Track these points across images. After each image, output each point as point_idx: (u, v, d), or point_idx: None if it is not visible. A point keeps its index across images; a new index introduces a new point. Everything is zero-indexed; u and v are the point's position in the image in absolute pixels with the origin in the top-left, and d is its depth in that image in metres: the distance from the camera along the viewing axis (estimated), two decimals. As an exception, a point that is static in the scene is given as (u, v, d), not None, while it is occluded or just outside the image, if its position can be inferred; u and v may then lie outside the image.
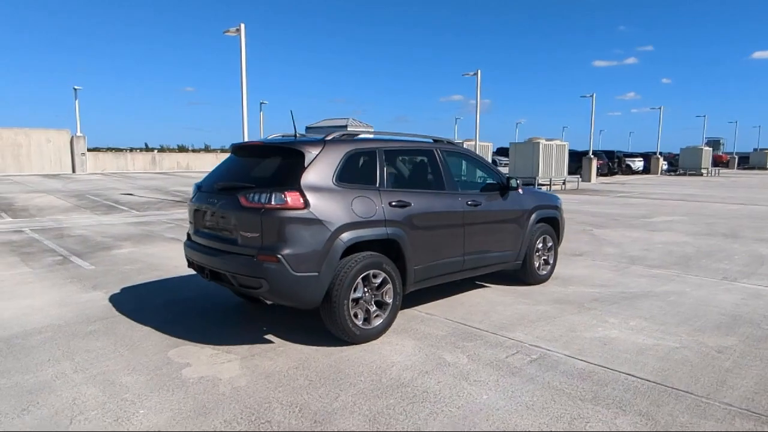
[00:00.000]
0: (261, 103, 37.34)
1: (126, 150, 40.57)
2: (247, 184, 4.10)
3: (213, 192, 4.36)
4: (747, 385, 3.52)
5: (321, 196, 4.00)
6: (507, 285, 6.10)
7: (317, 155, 4.14)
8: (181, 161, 34.98)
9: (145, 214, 12.95)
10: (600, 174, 31.94)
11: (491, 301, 5.46)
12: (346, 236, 4.04)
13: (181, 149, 48.62)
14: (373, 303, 4.31)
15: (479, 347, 4.19)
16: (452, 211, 4.92)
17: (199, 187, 4.63)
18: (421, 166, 5.10)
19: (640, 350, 4.12)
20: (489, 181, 5.68)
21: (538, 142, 20.92)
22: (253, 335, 4.43)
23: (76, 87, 29.35)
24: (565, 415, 3.11)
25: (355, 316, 4.17)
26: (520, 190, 5.85)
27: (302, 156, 4.11)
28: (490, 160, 24.53)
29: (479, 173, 5.80)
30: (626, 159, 35.72)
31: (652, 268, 7.11)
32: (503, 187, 5.56)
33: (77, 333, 4.48)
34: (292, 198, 3.87)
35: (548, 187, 21.38)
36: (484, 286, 6.06)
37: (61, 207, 14.35)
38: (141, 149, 44.65)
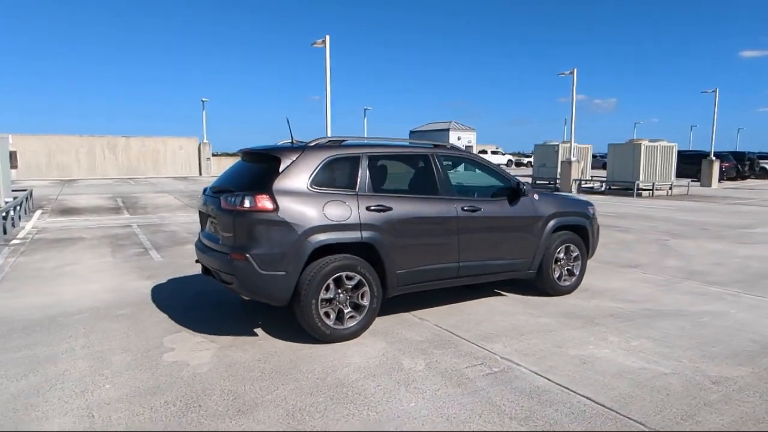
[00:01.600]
0: (365, 109, 38.53)
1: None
2: (230, 188, 4.39)
3: (210, 195, 4.72)
4: (719, 422, 3.05)
5: (292, 200, 4.16)
6: (524, 294, 5.78)
7: (294, 161, 4.31)
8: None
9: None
10: (727, 178, 28.44)
11: (494, 310, 5.23)
12: (315, 238, 4.16)
13: None
14: (348, 304, 4.37)
15: (446, 355, 4.07)
16: (443, 216, 4.81)
17: (204, 191, 5.03)
18: (413, 171, 5.04)
19: (619, 373, 3.72)
20: (496, 186, 5.44)
21: (640, 144, 19.16)
22: (245, 328, 4.71)
23: (203, 99, 32.61)
24: (481, 432, 2.95)
25: (327, 315, 4.27)
26: (535, 196, 5.52)
27: (278, 161, 4.31)
28: (589, 163, 23.01)
29: (488, 179, 5.57)
30: (760, 161, 31.28)
31: (708, 284, 6.28)
32: (512, 193, 5.30)
33: (107, 316, 5.10)
34: (261, 201, 4.09)
35: (650, 192, 19.50)
36: (500, 294, 5.81)
37: (174, 206, 16.10)
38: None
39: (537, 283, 5.70)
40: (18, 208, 11.76)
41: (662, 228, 11.08)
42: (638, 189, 19.13)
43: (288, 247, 4.10)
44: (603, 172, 24.18)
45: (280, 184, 4.19)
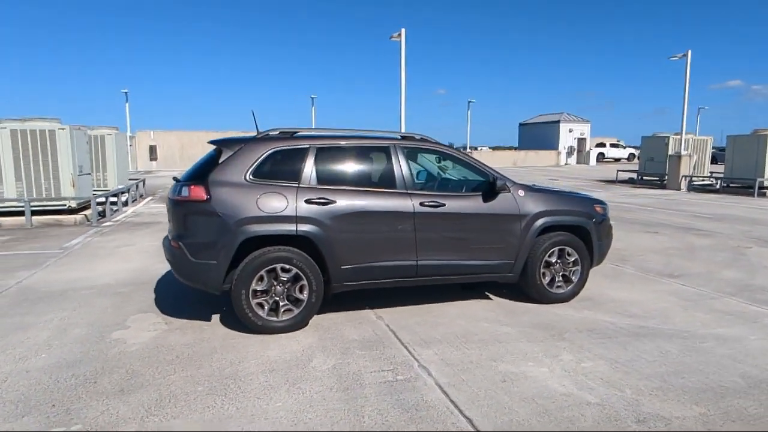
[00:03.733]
0: (469, 102, 37.49)
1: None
2: (178, 178, 4.53)
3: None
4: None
5: (225, 191, 4.18)
6: (515, 300, 5.22)
7: (235, 152, 4.32)
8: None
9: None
10: None
11: (463, 313, 4.80)
12: (245, 229, 4.14)
13: None
14: (285, 297, 4.30)
15: (364, 357, 3.82)
16: (396, 211, 4.50)
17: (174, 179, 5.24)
18: (369, 164, 4.76)
19: (535, 397, 3.20)
20: (472, 181, 4.96)
21: (766, 135, 16.21)
22: (207, 313, 4.83)
23: (312, 96, 34.25)
24: (316, 442, 2.72)
25: (260, 306, 4.24)
26: (520, 192, 4.94)
27: (220, 153, 4.34)
28: (707, 158, 20.18)
29: (465, 173, 5.09)
30: None
31: (753, 303, 5.14)
32: (488, 188, 4.79)
33: (107, 293, 5.57)
34: (195, 191, 4.16)
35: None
36: (485, 298, 5.32)
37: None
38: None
39: (524, 288, 5.12)
40: (123, 194, 13.36)
41: (757, 234, 9.32)
42: (761, 187, 16.26)
43: (218, 237, 4.13)
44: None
45: (216, 175, 4.23)
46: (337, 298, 5.02)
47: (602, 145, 43.18)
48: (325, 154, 4.55)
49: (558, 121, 40.01)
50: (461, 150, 5.57)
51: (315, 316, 4.69)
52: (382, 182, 4.63)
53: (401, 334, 4.29)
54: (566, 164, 39.10)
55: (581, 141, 40.48)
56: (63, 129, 10.86)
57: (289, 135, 4.61)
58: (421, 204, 4.58)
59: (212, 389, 3.32)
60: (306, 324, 4.40)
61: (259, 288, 4.21)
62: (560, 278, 5.12)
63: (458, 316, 4.74)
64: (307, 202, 4.29)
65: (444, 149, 5.00)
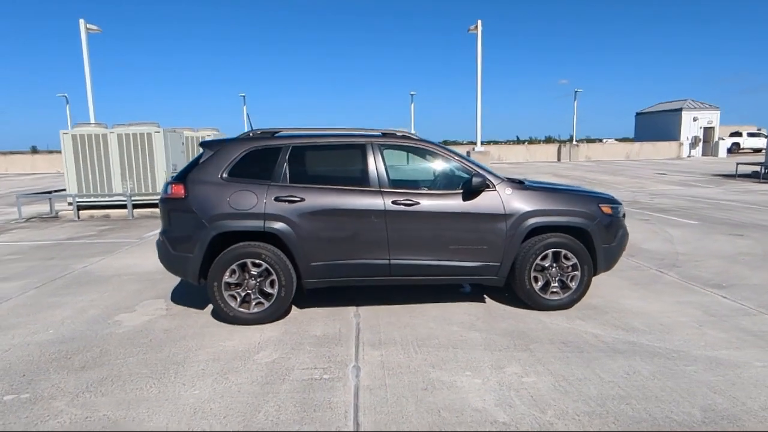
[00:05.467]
0: (576, 91, 35.06)
1: (449, 143, 44.83)
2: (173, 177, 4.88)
3: None
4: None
5: (201, 189, 4.43)
6: (506, 304, 4.88)
7: (214, 153, 4.56)
8: (493, 152, 36.50)
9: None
10: None
11: (441, 316, 4.59)
12: (217, 225, 4.36)
13: (520, 142, 48.29)
14: (257, 291, 4.46)
15: (309, 354, 3.85)
16: (366, 209, 4.43)
17: None
18: (343, 162, 4.71)
19: (440, 409, 3.00)
20: (454, 179, 4.68)
21: None
22: (204, 303, 5.16)
23: (411, 92, 34.41)
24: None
25: (233, 298, 4.44)
26: (507, 190, 4.59)
27: (202, 153, 4.61)
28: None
29: (448, 171, 4.81)
30: None
31: (800, 323, 4.26)
32: (471, 186, 4.51)
33: (143, 279, 6.19)
34: (174, 190, 4.47)
35: None
36: (476, 300, 5.03)
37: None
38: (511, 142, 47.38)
39: (517, 293, 4.75)
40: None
41: None
42: None
43: (193, 232, 4.40)
44: None
45: (194, 174, 4.50)
46: (331, 293, 5.10)
47: (737, 134, 37.80)
48: (299, 152, 4.62)
49: (680, 109, 35.63)
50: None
51: (301, 310, 4.82)
52: (355, 180, 4.58)
53: (364, 334, 4.24)
54: (689, 156, 34.89)
55: (708, 130, 35.74)
56: (158, 132, 12.16)
57: (270, 135, 4.74)
58: (393, 202, 4.46)
59: (153, 373, 3.57)
60: (277, 317, 4.52)
61: (231, 281, 4.42)
62: (556, 284, 4.67)
63: (435, 318, 4.55)
64: (277, 199, 4.40)
65: (427, 146, 4.80)
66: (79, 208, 11.94)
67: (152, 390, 3.30)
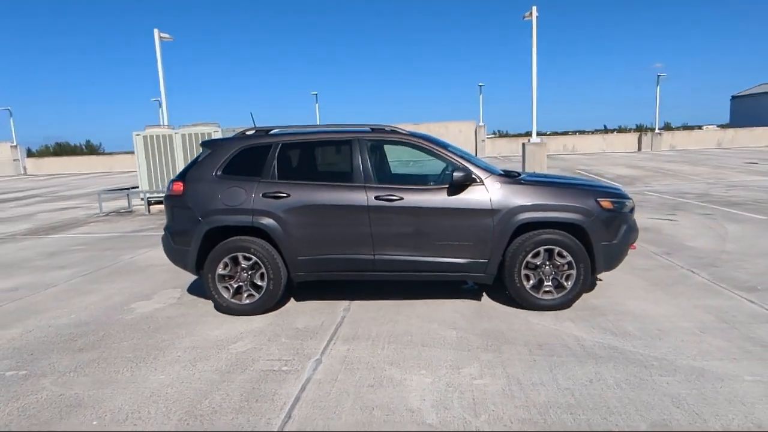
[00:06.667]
0: (658, 76, 32.40)
1: (518, 135, 42.79)
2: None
3: None
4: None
5: (197, 186, 4.66)
6: (501, 303, 4.69)
7: (212, 151, 4.78)
8: (567, 143, 34.76)
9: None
10: None
11: (425, 313, 4.50)
12: (209, 220, 4.57)
13: (574, 133, 44.69)
14: (249, 283, 4.63)
15: (281, 345, 3.95)
16: (349, 205, 4.44)
17: None
18: (330, 158, 4.72)
19: (374, 407, 2.96)
20: (442, 174, 4.54)
21: None
22: (216, 292, 5.44)
23: (480, 84, 33.63)
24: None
25: (226, 289, 4.65)
26: (496, 184, 4.39)
27: (202, 152, 4.84)
28: None
29: (436, 166, 4.66)
30: None
31: (829, 334, 3.69)
32: (457, 181, 4.35)
33: (172, 269, 6.52)
34: (175, 187, 4.74)
35: None
36: (472, 298, 4.87)
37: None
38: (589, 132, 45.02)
39: (509, 292, 4.54)
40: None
41: None
42: None
43: (190, 226, 4.64)
44: None
45: (193, 172, 4.75)
46: (330, 287, 5.20)
47: None
48: (288, 150, 4.71)
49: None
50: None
51: (297, 302, 4.94)
52: (340, 176, 4.60)
53: (343, 328, 4.26)
54: (796, 143, 31.02)
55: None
56: (217, 131, 12.87)
57: (264, 133, 4.88)
58: (377, 198, 4.43)
59: (136, 357, 3.84)
60: (268, 308, 4.65)
61: (224, 273, 4.62)
62: (550, 282, 4.40)
63: (420, 316, 4.47)
64: (264, 196, 4.53)
65: (415, 141, 4.69)
66: (150, 203, 12.96)
67: (126, 373, 3.56)
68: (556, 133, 37.28)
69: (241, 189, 4.58)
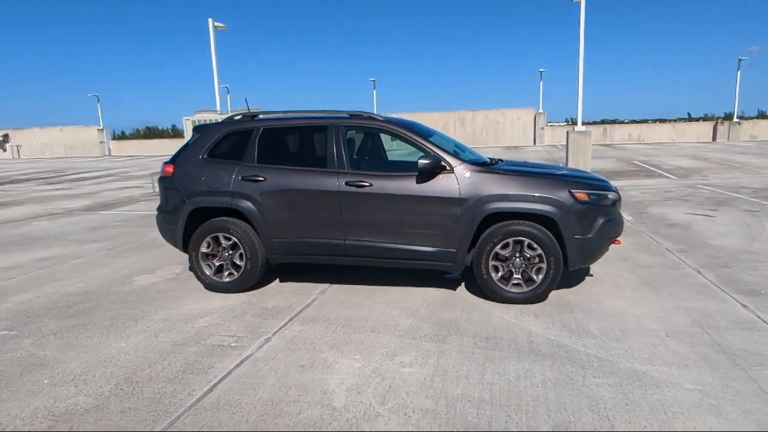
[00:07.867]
0: (740, 60, 29.59)
1: (587, 123, 40.48)
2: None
3: None
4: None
5: (184, 168, 4.88)
6: (477, 295, 4.58)
7: (201, 135, 4.97)
8: (632, 132, 32.67)
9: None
10: None
11: (394, 300, 4.49)
12: (194, 200, 4.79)
13: (638, 121, 40.50)
14: (229, 263, 4.82)
15: (242, 324, 4.08)
16: (320, 190, 4.48)
17: None
18: (306, 143, 4.75)
19: (281, 387, 3.01)
20: (414, 161, 4.45)
21: None
22: (213, 269, 5.70)
23: (540, 69, 32.29)
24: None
25: (209, 267, 4.86)
26: (466, 173, 4.26)
27: (192, 136, 5.05)
28: None
29: (412, 153, 4.56)
30: None
31: (814, 346, 3.30)
32: (426, 168, 4.27)
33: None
34: (166, 169, 4.99)
35: None
36: (447, 287, 4.79)
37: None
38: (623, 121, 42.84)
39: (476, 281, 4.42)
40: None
41: None
42: None
43: (177, 206, 4.88)
44: None
45: (183, 155, 4.97)
46: (317, 270, 5.31)
47: None
48: (268, 134, 4.81)
49: None
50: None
51: (280, 283, 5.08)
52: (315, 161, 4.65)
53: (308, 310, 4.35)
54: None
55: None
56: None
57: (250, 117, 5.01)
58: (347, 183, 4.44)
59: (112, 326, 4.13)
60: (246, 287, 4.82)
61: (206, 251, 4.83)
62: (519, 276, 4.24)
63: (388, 302, 4.46)
64: (243, 179, 4.67)
65: (390, 128, 4.63)
66: (196, 184, 13.71)
67: (95, 339, 3.84)
68: (622, 122, 35.00)
69: (222, 172, 4.75)
